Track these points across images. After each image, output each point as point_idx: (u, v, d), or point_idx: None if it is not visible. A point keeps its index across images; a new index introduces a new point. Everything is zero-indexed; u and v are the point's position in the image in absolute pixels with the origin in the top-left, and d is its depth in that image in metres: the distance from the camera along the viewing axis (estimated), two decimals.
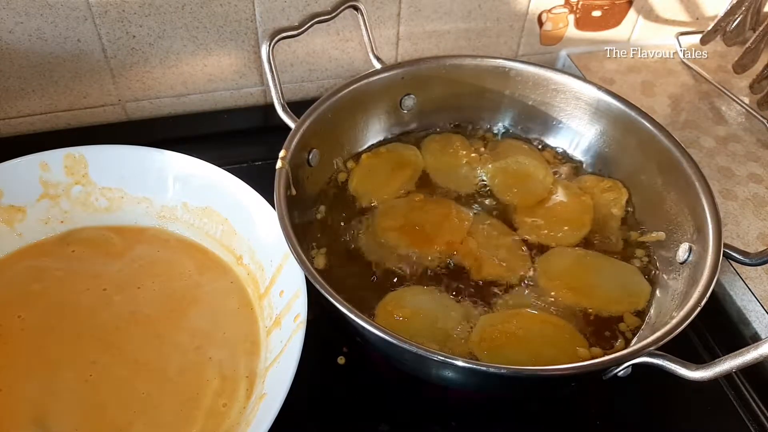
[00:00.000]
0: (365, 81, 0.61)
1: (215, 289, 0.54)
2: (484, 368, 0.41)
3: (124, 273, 0.54)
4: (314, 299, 0.46)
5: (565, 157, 0.66)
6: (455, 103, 0.67)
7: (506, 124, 0.68)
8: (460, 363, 0.40)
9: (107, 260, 0.55)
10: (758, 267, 0.56)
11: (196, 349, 0.49)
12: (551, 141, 0.67)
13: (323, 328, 0.45)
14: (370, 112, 0.64)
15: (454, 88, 0.66)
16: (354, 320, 0.42)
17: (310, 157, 0.58)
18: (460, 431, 0.49)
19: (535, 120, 0.67)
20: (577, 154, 0.66)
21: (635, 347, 0.42)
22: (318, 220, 0.58)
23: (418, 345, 0.40)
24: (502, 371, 0.40)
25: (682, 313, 0.43)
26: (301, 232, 0.56)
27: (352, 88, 0.60)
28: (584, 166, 0.65)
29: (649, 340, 0.42)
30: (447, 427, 0.49)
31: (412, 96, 0.65)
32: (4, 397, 0.46)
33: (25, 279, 0.53)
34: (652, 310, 0.53)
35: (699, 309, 0.44)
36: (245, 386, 0.48)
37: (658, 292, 0.54)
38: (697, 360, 0.39)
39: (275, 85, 0.57)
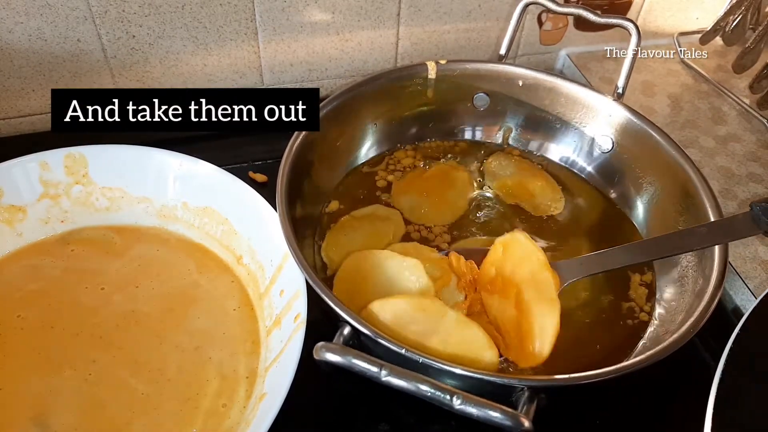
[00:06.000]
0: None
1: (215, 288, 0.54)
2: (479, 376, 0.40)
3: (123, 272, 0.54)
4: (314, 299, 0.46)
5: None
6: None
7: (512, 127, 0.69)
8: (456, 370, 0.40)
9: (107, 259, 0.55)
10: (758, 267, 0.57)
11: (196, 349, 0.49)
12: (553, 148, 0.67)
13: (324, 327, 0.45)
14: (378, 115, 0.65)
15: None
16: (351, 322, 0.42)
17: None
18: (460, 431, 0.49)
19: (538, 126, 0.67)
20: (581, 160, 0.66)
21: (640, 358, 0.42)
22: (327, 214, 0.59)
23: (416, 351, 0.40)
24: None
25: (687, 325, 0.44)
26: (307, 227, 0.57)
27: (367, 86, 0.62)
28: (586, 172, 0.66)
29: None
30: (447, 427, 0.49)
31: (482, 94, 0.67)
32: (3, 395, 0.46)
33: (24, 278, 0.53)
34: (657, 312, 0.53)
35: (704, 321, 0.44)
36: (245, 386, 0.48)
37: (665, 293, 0.54)
38: (699, 359, 0.39)
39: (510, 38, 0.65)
